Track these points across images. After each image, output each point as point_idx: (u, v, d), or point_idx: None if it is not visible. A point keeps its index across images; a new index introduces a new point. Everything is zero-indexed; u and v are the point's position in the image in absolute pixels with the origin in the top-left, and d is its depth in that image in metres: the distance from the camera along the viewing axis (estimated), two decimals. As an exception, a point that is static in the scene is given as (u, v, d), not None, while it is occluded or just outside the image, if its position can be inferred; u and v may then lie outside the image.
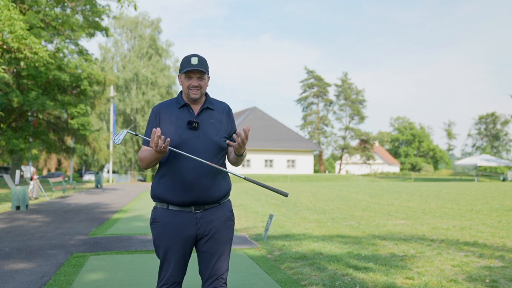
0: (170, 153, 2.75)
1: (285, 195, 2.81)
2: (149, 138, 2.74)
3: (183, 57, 2.84)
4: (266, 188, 2.89)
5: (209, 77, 2.88)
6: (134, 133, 2.82)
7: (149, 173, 48.87)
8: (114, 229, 9.12)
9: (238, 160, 2.87)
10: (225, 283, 2.85)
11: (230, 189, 2.91)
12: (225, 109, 2.94)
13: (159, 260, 2.88)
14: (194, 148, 2.73)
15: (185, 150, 2.72)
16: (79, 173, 58.77)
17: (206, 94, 2.91)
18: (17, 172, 15.61)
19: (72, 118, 23.43)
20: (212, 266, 2.81)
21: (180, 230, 2.77)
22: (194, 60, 2.77)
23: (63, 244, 7.40)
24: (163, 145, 2.57)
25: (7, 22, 14.84)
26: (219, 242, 2.82)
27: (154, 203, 2.91)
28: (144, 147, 2.81)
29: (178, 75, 2.86)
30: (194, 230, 2.78)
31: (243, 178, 2.86)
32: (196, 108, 2.85)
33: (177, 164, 2.74)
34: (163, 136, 2.58)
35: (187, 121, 2.76)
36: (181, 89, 2.88)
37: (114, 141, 2.75)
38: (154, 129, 2.58)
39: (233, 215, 2.95)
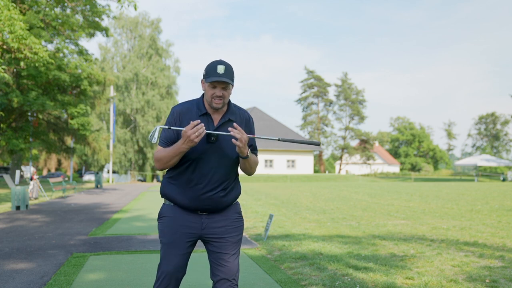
0: (185, 161, 2.74)
1: (318, 144, 2.84)
2: (167, 140, 2.74)
3: (209, 62, 2.74)
4: (299, 143, 2.93)
5: (233, 85, 2.77)
6: (166, 126, 2.74)
7: (149, 173, 48.89)
8: (114, 229, 9.12)
9: (245, 164, 2.82)
10: (237, 285, 2.85)
11: (239, 194, 2.92)
12: (245, 118, 2.87)
13: (159, 259, 2.89)
14: (209, 162, 2.73)
15: (200, 163, 2.72)
16: (79, 173, 58.78)
17: (229, 102, 2.84)
18: (17, 172, 15.61)
19: (72, 118, 23.42)
20: (223, 267, 2.80)
21: (184, 227, 2.79)
22: (221, 69, 2.67)
23: (63, 244, 7.40)
24: (201, 132, 2.57)
25: (7, 22, 14.83)
26: (228, 242, 2.82)
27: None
28: (160, 148, 2.77)
29: (202, 80, 2.78)
30: (199, 229, 2.80)
31: (277, 139, 2.82)
32: (216, 118, 2.79)
33: (190, 175, 2.74)
34: (201, 124, 2.59)
35: (206, 133, 2.70)
36: (203, 92, 2.79)
37: (150, 140, 2.69)
38: (192, 122, 2.58)
39: (241, 216, 2.94)
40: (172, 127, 2.70)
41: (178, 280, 2.85)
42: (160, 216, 2.88)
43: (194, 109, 2.78)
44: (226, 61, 2.73)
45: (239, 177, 2.93)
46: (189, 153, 2.69)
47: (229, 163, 2.77)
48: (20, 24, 15.38)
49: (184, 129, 2.59)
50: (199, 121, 2.60)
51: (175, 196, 2.79)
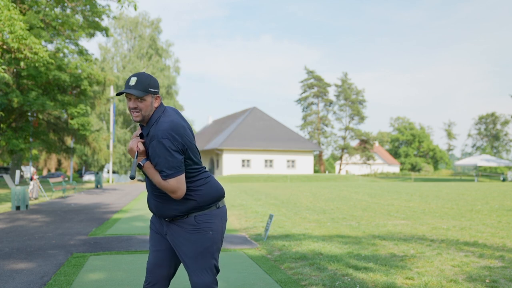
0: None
1: (130, 177, 2.64)
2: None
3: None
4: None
5: (157, 97, 2.69)
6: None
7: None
8: (114, 229, 9.12)
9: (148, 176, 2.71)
10: None
11: (195, 208, 2.73)
12: (152, 137, 2.65)
13: None
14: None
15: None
16: (79, 173, 58.76)
17: (157, 115, 2.70)
18: (17, 172, 15.62)
19: (72, 118, 23.43)
20: (190, 282, 2.77)
21: (157, 225, 2.91)
22: (132, 81, 2.63)
23: (63, 244, 7.40)
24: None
25: (7, 22, 14.84)
26: (185, 257, 2.75)
27: None
28: None
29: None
30: (163, 230, 2.87)
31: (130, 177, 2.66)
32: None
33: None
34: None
35: None
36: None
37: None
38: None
39: (199, 229, 2.72)
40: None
41: (161, 277, 2.83)
42: None
43: None
44: (145, 74, 2.69)
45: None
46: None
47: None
48: (20, 24, 15.39)
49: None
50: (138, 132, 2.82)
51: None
